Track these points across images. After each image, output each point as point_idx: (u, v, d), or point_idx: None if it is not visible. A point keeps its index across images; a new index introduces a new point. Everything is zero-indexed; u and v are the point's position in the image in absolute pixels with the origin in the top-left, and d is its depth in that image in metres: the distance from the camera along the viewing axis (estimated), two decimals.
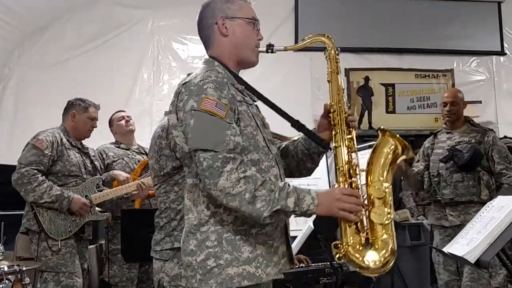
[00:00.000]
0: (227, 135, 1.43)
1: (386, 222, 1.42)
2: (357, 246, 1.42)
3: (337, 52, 1.68)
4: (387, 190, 1.47)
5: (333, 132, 1.58)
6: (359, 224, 1.44)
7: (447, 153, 3.24)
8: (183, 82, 1.55)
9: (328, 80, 1.69)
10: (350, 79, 5.89)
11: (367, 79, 5.91)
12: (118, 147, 3.75)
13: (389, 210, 1.44)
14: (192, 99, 1.47)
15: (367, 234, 1.43)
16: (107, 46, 5.40)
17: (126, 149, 3.75)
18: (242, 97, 1.56)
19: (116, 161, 3.66)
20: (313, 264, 3.24)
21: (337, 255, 1.44)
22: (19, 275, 2.35)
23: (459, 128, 3.42)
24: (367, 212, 1.45)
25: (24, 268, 2.39)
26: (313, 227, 3.17)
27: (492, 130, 3.47)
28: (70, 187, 2.97)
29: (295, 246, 3.35)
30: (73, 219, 2.92)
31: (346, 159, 1.52)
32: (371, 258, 1.40)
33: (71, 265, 2.86)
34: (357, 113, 5.87)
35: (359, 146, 5.82)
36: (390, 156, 1.54)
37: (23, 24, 5.06)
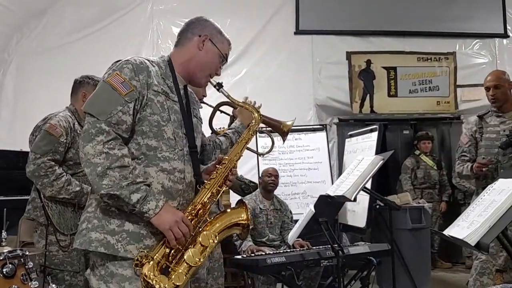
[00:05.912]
0: (117, 110, 1.54)
1: (192, 265, 1.57)
2: (157, 266, 1.54)
3: (257, 130, 1.90)
4: (212, 244, 1.64)
5: (211, 176, 1.72)
6: (173, 252, 1.58)
7: (506, 139, 3.03)
8: (117, 60, 1.68)
9: (236, 142, 1.89)
10: (352, 63, 5.85)
11: (369, 62, 5.88)
12: None
13: (200, 259, 1.60)
14: (107, 72, 1.62)
15: (172, 263, 1.57)
16: (107, 30, 5.37)
17: None
18: (165, 91, 1.66)
19: None
20: (314, 247, 3.26)
21: (135, 263, 1.53)
22: (22, 259, 2.35)
23: (509, 110, 3.18)
24: (185, 249, 1.60)
25: (27, 253, 2.40)
26: (314, 210, 3.17)
27: None
28: (80, 176, 2.73)
29: (297, 228, 3.37)
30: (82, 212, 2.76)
31: (204, 201, 1.66)
32: (160, 281, 1.51)
33: (77, 263, 2.68)
34: (359, 97, 5.85)
35: (360, 130, 5.73)
36: (231, 222, 1.74)
37: (22, 8, 5.02)
